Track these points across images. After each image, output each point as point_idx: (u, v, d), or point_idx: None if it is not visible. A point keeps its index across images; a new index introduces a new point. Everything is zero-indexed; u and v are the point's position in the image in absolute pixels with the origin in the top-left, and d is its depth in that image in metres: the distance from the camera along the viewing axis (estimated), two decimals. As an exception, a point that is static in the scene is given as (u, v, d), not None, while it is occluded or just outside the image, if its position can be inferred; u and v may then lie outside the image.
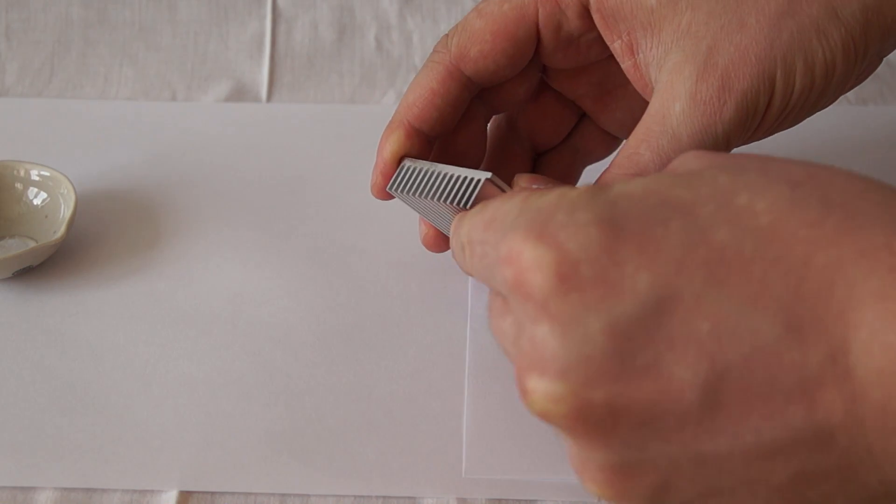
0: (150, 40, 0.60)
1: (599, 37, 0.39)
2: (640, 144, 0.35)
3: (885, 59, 0.59)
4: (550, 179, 0.35)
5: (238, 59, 0.60)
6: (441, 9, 0.61)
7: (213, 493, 0.37)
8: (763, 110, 0.35)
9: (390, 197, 0.39)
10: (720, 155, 0.29)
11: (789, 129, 0.56)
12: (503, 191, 0.35)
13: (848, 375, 0.24)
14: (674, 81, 0.35)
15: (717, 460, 0.25)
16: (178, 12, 0.61)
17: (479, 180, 0.35)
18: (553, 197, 0.28)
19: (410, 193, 0.37)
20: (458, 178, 0.36)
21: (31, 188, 0.48)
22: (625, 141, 0.37)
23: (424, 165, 0.37)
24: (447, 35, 0.39)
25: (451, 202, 0.35)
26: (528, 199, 0.29)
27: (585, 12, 0.38)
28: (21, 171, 0.48)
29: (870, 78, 0.58)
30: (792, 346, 0.24)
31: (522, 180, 0.36)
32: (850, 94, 0.58)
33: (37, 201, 0.48)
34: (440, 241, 0.42)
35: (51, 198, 0.48)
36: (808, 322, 0.24)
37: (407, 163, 0.38)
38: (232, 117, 0.57)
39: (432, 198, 0.36)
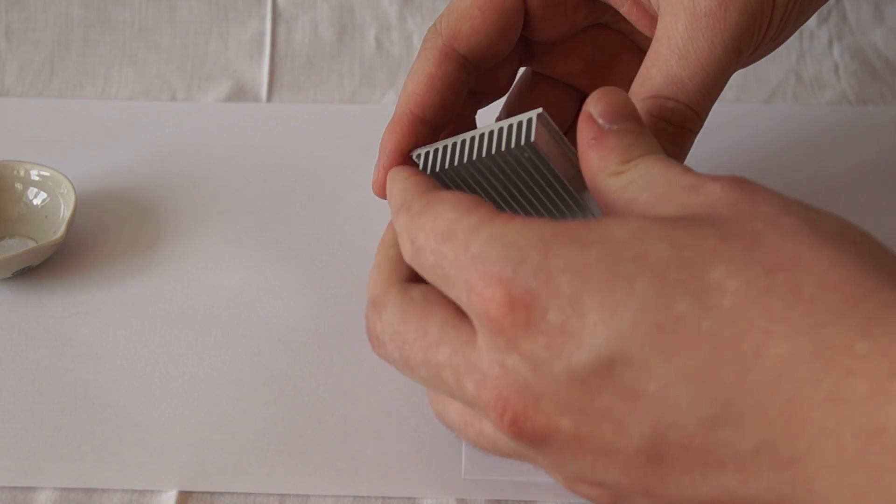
0: (150, 40, 0.60)
1: None
2: (650, 69, 0.35)
3: (885, 59, 0.59)
4: (626, 96, 0.33)
5: (238, 60, 0.60)
6: (441, 9, 0.61)
7: (212, 493, 0.37)
8: (770, 10, 0.35)
9: None
10: (738, 200, 0.28)
11: (791, 129, 0.56)
12: (556, 129, 0.34)
13: (791, 463, 0.25)
14: (673, 2, 0.35)
15: (667, 497, 0.27)
16: (178, 12, 0.61)
17: (530, 118, 0.33)
18: (529, 233, 0.28)
19: (446, 167, 0.35)
20: (503, 127, 0.33)
21: (30, 188, 0.48)
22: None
23: (444, 141, 0.36)
24: (435, 23, 0.39)
25: (504, 149, 0.33)
26: (496, 224, 0.28)
27: None
28: (21, 171, 0.48)
29: (870, 78, 0.59)
30: (727, 424, 0.25)
31: (599, 96, 0.33)
32: (850, 94, 0.58)
33: (37, 201, 0.48)
34: None
35: (51, 198, 0.48)
36: (748, 408, 0.25)
37: (420, 150, 0.37)
38: (232, 117, 0.57)
39: (477, 157, 0.34)
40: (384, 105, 0.58)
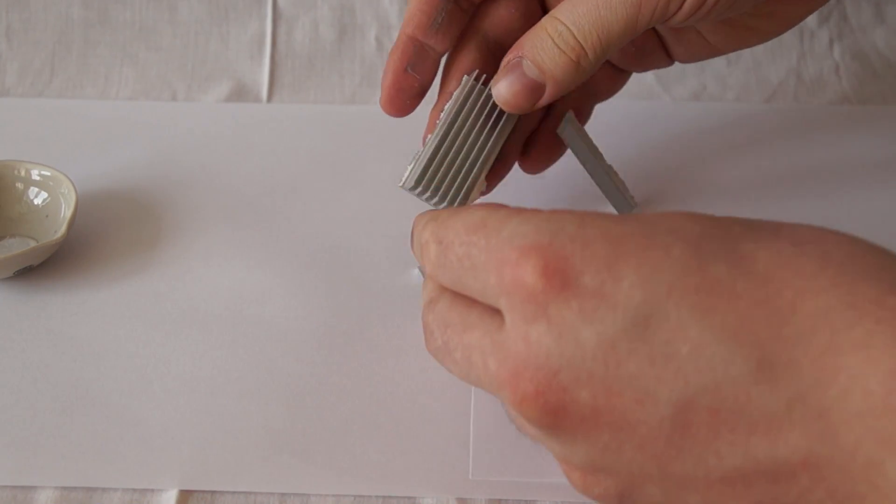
0: (150, 40, 0.60)
1: None
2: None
3: (886, 59, 0.59)
4: None
5: (238, 60, 0.60)
6: (441, 9, 0.61)
7: (213, 493, 0.37)
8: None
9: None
10: (739, 219, 0.30)
11: (791, 129, 0.56)
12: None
13: (820, 416, 0.25)
14: None
15: (682, 478, 0.27)
16: (179, 12, 0.61)
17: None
18: (562, 213, 0.29)
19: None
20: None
21: (31, 188, 0.48)
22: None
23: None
24: None
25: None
26: (526, 213, 0.30)
27: None
28: (22, 170, 0.48)
29: (870, 78, 0.59)
30: (761, 381, 0.26)
31: None
32: (850, 94, 0.58)
33: (37, 201, 0.48)
34: (398, 102, 0.42)
35: (51, 197, 0.48)
36: (782, 363, 0.25)
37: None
38: (232, 117, 0.57)
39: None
40: (385, 105, 0.58)
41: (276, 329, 0.43)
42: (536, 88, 0.39)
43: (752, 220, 0.29)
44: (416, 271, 0.45)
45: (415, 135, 0.55)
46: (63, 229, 0.45)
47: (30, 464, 0.37)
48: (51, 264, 0.46)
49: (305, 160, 0.53)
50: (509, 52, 0.39)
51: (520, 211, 0.30)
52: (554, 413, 0.28)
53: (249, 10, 0.61)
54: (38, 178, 0.48)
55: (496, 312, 0.30)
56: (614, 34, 0.37)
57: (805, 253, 0.27)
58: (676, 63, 0.46)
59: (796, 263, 0.26)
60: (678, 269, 0.27)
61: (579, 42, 0.38)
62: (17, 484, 0.37)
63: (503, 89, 0.39)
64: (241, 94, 0.59)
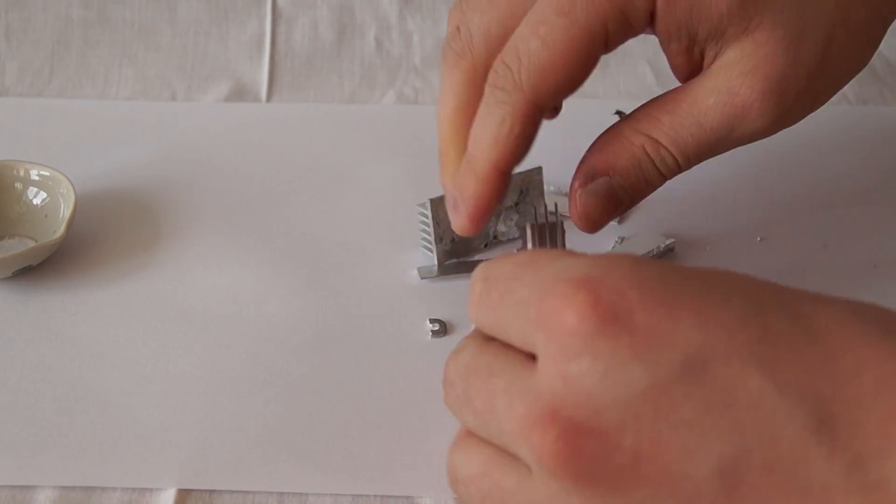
0: (150, 40, 0.60)
1: None
2: (662, 115, 0.36)
3: (885, 60, 0.59)
4: None
5: (238, 59, 0.60)
6: (441, 9, 0.61)
7: (211, 492, 0.36)
8: (802, 117, 0.37)
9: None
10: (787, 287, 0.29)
11: (791, 129, 0.56)
12: None
13: (879, 487, 0.24)
14: (719, 75, 0.35)
15: None
16: (178, 12, 0.61)
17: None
18: (615, 255, 0.28)
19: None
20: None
21: (30, 188, 0.48)
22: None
23: None
24: (508, 70, 0.35)
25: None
26: (579, 253, 0.29)
27: (652, 17, 0.36)
28: (21, 170, 0.48)
29: (870, 78, 0.59)
30: (822, 442, 0.24)
31: None
32: (850, 95, 0.58)
33: (36, 201, 0.48)
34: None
35: (50, 197, 0.48)
36: (843, 424, 0.24)
37: None
38: (232, 117, 0.57)
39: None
40: (384, 105, 0.58)
41: (275, 329, 0.43)
42: (620, 204, 0.38)
43: (798, 289, 0.28)
44: (416, 271, 0.45)
45: (414, 136, 0.55)
46: (62, 229, 0.45)
47: (29, 463, 0.37)
48: (50, 264, 0.46)
49: (304, 160, 0.53)
50: (593, 165, 0.37)
51: (572, 252, 0.29)
52: (590, 460, 0.25)
53: (249, 9, 0.61)
54: (37, 178, 0.48)
55: (529, 358, 0.28)
56: (715, 149, 0.37)
57: (864, 319, 0.26)
58: None
59: (856, 327, 0.26)
60: (738, 317, 0.25)
61: (679, 164, 0.37)
62: (16, 484, 0.37)
63: (590, 207, 0.37)
64: (240, 93, 0.59)
